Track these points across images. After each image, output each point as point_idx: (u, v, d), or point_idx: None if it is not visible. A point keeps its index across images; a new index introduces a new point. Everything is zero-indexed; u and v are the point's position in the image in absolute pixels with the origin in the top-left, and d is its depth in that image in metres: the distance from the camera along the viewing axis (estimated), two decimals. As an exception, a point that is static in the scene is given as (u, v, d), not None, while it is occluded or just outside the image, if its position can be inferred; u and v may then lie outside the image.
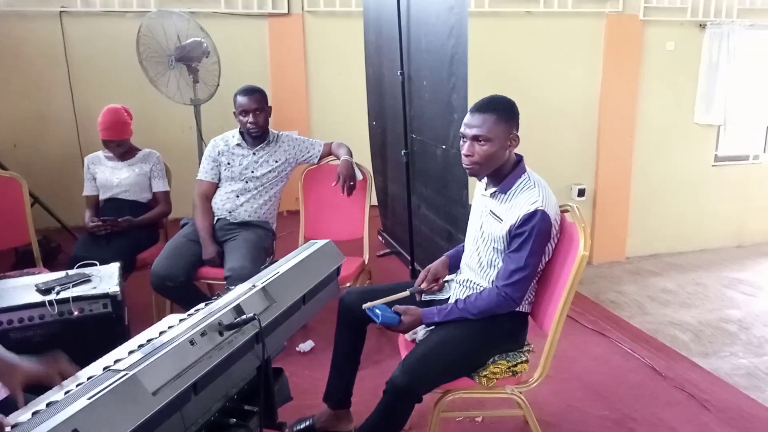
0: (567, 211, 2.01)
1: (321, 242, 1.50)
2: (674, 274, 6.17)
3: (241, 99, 2.87)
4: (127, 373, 0.94)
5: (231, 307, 1.14)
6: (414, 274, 3.69)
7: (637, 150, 6.26)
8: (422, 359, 1.84)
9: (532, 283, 1.99)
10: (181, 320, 1.26)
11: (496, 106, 1.92)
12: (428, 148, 3.31)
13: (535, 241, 1.87)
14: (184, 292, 2.74)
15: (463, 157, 1.96)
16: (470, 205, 2.21)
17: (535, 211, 1.86)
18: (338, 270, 1.53)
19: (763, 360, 4.20)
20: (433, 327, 1.98)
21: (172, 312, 2.92)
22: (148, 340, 1.17)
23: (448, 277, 2.18)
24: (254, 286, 1.22)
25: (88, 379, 1.04)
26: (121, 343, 1.20)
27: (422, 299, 2.12)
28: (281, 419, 1.49)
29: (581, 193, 6.18)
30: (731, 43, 6.15)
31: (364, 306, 1.93)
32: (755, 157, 6.73)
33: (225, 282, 2.63)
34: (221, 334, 1.08)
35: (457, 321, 1.94)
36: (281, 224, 3.14)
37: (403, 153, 3.51)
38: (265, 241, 2.93)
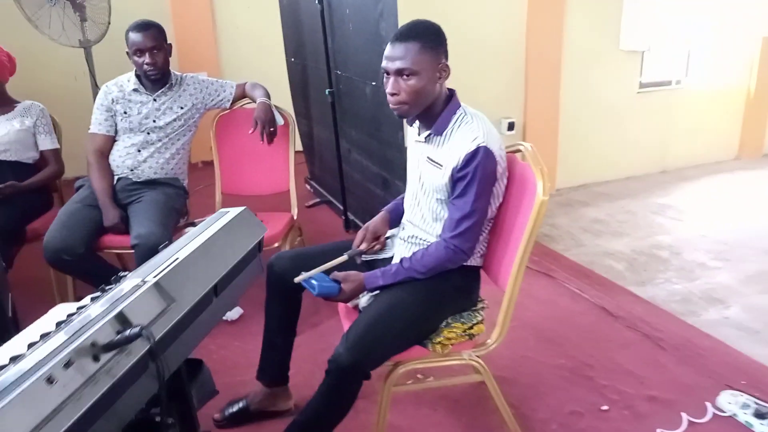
0: (519, 150, 1.78)
1: (233, 211, 1.16)
2: (603, 203, 6.20)
3: (134, 36, 2.45)
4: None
5: (110, 317, 0.81)
6: (348, 224, 3.43)
7: (564, 80, 6.12)
8: (368, 331, 1.59)
9: (484, 234, 1.77)
10: (58, 324, 0.94)
11: (419, 32, 1.63)
12: (356, 85, 2.98)
13: (480, 182, 1.63)
14: (86, 266, 2.37)
15: (388, 96, 1.67)
16: (406, 149, 1.93)
17: (477, 149, 1.61)
18: (260, 245, 1.21)
19: (695, 284, 4.25)
20: (377, 292, 1.73)
21: (74, 291, 2.55)
22: (11, 359, 0.86)
23: (389, 233, 1.92)
24: (143, 282, 0.88)
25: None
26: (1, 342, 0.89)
27: (363, 261, 1.86)
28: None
29: (511, 126, 6.02)
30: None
31: (297, 279, 1.65)
32: (677, 82, 6.76)
33: (133, 251, 2.29)
34: (96, 359, 0.76)
35: (404, 283, 1.70)
36: (196, 178, 2.76)
37: (327, 92, 3.16)
38: (175, 201, 2.57)
